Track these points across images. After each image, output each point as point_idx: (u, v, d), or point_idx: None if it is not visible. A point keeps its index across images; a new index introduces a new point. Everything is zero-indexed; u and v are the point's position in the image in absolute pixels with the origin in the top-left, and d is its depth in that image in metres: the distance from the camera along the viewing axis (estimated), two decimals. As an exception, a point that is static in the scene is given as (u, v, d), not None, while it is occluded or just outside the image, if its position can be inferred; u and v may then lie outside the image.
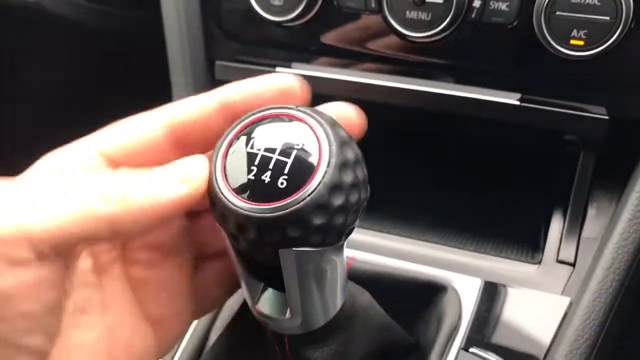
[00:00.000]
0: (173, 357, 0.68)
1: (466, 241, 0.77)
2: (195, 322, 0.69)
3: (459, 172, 0.83)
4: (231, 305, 0.70)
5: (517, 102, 0.72)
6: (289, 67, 0.80)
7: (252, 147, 0.45)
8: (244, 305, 0.61)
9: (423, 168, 0.84)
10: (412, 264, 0.71)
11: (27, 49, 1.11)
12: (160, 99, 0.87)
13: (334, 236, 0.46)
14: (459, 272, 0.70)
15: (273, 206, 0.43)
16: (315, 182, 0.43)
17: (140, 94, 1.09)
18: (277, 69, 0.80)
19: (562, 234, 0.75)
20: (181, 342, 0.69)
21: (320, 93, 0.79)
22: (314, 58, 0.79)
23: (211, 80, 0.84)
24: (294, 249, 0.44)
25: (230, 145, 0.46)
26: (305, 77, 0.78)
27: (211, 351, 0.62)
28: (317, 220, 0.43)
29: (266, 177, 0.43)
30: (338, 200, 0.44)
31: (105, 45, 1.09)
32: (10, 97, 1.17)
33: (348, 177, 0.44)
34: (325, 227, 0.44)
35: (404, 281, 0.70)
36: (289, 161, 0.44)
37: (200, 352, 0.68)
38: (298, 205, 0.42)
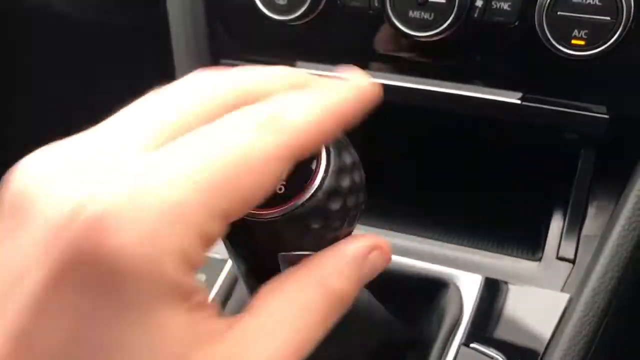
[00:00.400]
0: None
1: (467, 238, 0.78)
2: None
3: (460, 169, 0.84)
4: (235, 302, 0.72)
5: (518, 101, 0.72)
6: (294, 65, 0.81)
7: None
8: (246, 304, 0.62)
9: (424, 166, 0.84)
10: (413, 260, 0.72)
11: (30, 47, 1.12)
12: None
13: (333, 239, 0.47)
14: (460, 268, 0.71)
15: (271, 212, 0.44)
16: (313, 187, 0.44)
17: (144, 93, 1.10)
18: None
19: (562, 231, 0.75)
20: None
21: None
22: (319, 57, 0.80)
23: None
24: (293, 253, 0.45)
25: None
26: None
27: None
28: (315, 225, 0.44)
29: None
30: (336, 205, 0.45)
31: (109, 44, 1.10)
32: (14, 95, 1.18)
33: (345, 182, 0.45)
34: (324, 229, 0.45)
35: (406, 277, 0.71)
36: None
37: None
38: (296, 211, 0.44)
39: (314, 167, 0.44)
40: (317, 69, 0.80)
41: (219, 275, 0.73)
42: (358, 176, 0.47)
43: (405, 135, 0.86)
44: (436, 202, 0.82)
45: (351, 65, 0.43)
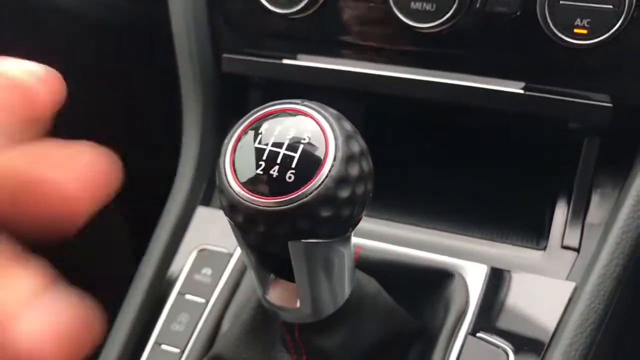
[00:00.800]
0: (187, 343, 0.70)
1: (472, 228, 0.78)
2: (208, 309, 0.71)
3: (464, 160, 0.84)
4: (242, 294, 0.72)
5: (521, 91, 0.72)
6: (295, 59, 0.81)
7: (259, 142, 0.46)
8: (254, 295, 0.62)
9: (428, 156, 0.85)
10: (419, 252, 0.72)
11: (30, 44, 1.12)
12: (169, 92, 0.88)
13: (342, 228, 0.47)
14: (466, 258, 0.71)
15: (281, 200, 0.44)
16: (322, 175, 0.44)
17: (148, 89, 1.10)
18: (284, 60, 0.81)
19: (566, 220, 0.75)
20: (195, 328, 0.70)
21: (327, 84, 0.81)
22: (320, 50, 0.80)
23: (218, 73, 0.85)
24: (302, 241, 0.46)
25: (238, 140, 0.47)
26: (311, 68, 0.79)
27: (224, 339, 0.64)
28: (325, 213, 0.45)
29: (274, 171, 0.45)
30: (345, 193, 0.45)
31: (111, 40, 1.09)
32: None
33: (354, 170, 0.45)
34: (333, 219, 0.45)
35: (412, 268, 0.71)
36: (296, 155, 0.45)
37: (213, 339, 0.70)
38: (306, 199, 0.44)
39: (322, 155, 0.45)
40: (318, 61, 0.80)
41: (225, 268, 0.73)
42: (366, 164, 0.47)
43: (408, 126, 0.86)
44: (440, 192, 0.82)
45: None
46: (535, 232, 0.77)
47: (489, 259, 0.73)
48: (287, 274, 0.50)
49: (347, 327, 0.57)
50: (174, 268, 0.77)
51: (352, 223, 0.48)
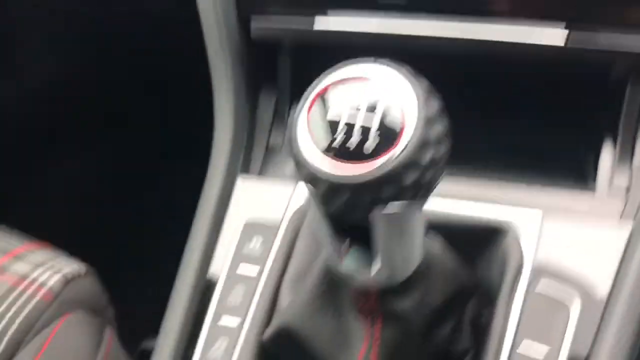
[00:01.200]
0: (246, 314, 0.69)
1: (519, 175, 0.77)
2: (263, 281, 0.70)
3: (505, 106, 0.82)
4: (297, 263, 0.71)
5: (565, 31, 0.70)
6: (326, 14, 0.78)
7: (336, 109, 0.44)
8: (316, 263, 0.62)
9: (470, 107, 0.82)
10: (470, 202, 0.71)
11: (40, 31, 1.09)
12: (198, 62, 0.85)
13: (425, 191, 0.46)
14: (517, 205, 0.70)
15: (365, 168, 0.43)
16: (404, 140, 0.43)
17: (175, 59, 1.07)
18: (315, 24, 0.78)
19: (613, 161, 0.75)
20: (252, 300, 0.69)
21: (358, 42, 0.78)
22: (349, 4, 0.77)
23: (246, 36, 0.82)
24: (385, 208, 0.44)
25: (311, 107, 0.45)
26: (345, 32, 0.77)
27: (290, 309, 0.63)
28: (410, 178, 0.43)
29: (354, 138, 0.43)
30: (428, 156, 0.43)
31: (135, 19, 1.07)
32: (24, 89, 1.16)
33: (435, 131, 0.44)
34: (417, 183, 0.44)
35: (465, 224, 0.70)
36: (376, 120, 0.43)
37: (272, 309, 0.69)
38: (391, 166, 0.42)
39: (403, 118, 0.43)
40: (348, 15, 0.77)
41: (274, 239, 0.72)
42: (445, 124, 0.45)
43: (445, 78, 0.84)
44: (485, 142, 0.80)
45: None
46: (582, 176, 0.77)
47: (539, 205, 0.71)
48: (365, 240, 0.49)
49: (420, 288, 0.56)
50: (222, 242, 0.76)
51: (433, 186, 0.46)
